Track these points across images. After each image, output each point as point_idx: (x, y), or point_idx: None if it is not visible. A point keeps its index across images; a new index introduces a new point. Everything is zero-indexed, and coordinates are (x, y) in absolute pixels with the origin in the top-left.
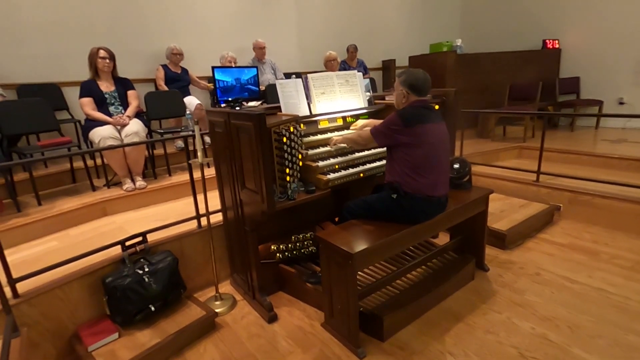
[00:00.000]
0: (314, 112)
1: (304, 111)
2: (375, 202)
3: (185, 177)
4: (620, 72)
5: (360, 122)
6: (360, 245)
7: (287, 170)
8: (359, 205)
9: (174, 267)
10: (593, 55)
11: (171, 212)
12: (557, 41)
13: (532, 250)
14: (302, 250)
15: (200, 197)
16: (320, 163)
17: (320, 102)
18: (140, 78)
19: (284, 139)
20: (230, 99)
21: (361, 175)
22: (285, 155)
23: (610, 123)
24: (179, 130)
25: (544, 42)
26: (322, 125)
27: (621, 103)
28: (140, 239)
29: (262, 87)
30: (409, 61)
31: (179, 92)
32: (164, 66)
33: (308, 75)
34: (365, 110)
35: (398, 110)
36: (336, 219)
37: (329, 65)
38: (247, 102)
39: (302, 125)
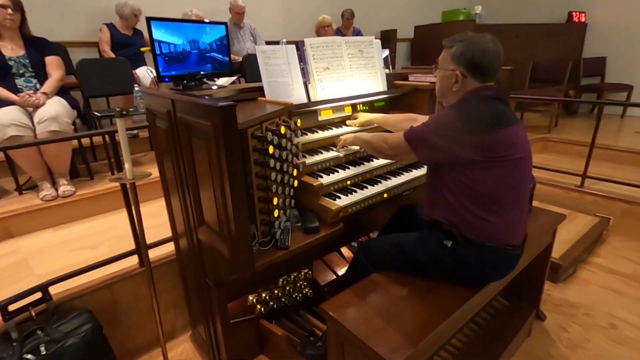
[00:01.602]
0: (314, 99)
1: (298, 96)
2: (414, 249)
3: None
4: None
5: (365, 117)
6: (404, 346)
7: (275, 200)
8: (384, 247)
9: (93, 339)
10: (623, 32)
11: (111, 231)
12: (583, 14)
13: (590, 282)
14: (294, 295)
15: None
16: (325, 179)
17: (322, 81)
18: (78, 41)
19: (270, 148)
20: (181, 73)
21: (385, 196)
22: (272, 173)
23: (638, 111)
24: (126, 112)
25: (570, 14)
26: (323, 117)
27: None
28: (39, 295)
29: (239, 59)
30: (415, 32)
31: (126, 61)
32: (110, 26)
33: (305, 40)
34: (385, 96)
35: (455, 106)
36: (343, 250)
37: (322, 32)
38: (212, 80)
39: (298, 121)
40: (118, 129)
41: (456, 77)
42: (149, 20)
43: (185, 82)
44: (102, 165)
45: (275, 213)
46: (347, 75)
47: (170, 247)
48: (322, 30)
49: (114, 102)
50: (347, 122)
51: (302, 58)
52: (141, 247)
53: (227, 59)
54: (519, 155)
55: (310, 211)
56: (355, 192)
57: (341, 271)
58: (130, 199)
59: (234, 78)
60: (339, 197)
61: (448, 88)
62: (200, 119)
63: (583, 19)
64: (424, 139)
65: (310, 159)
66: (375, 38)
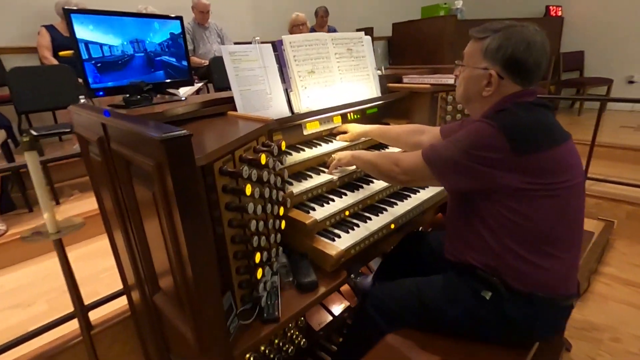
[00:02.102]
0: (298, 110)
1: (279, 107)
2: (439, 301)
3: (90, 203)
4: (630, 46)
5: (357, 129)
6: None
7: (257, 256)
8: (399, 298)
9: None
10: (599, 25)
11: (51, 279)
12: (560, 8)
13: (608, 298)
14: (285, 348)
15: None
16: (318, 212)
17: (307, 88)
18: (14, 46)
19: (247, 188)
20: (120, 84)
21: (392, 227)
22: (252, 221)
23: (617, 105)
24: (68, 130)
25: (547, 8)
26: (309, 130)
27: (631, 82)
28: None
29: (205, 62)
30: (393, 30)
31: (69, 68)
32: (50, 28)
33: (284, 38)
34: (379, 102)
35: (492, 117)
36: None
37: (297, 31)
38: (169, 90)
39: (282, 142)
40: (28, 165)
41: (489, 79)
42: (67, 12)
43: (127, 96)
44: None
45: (259, 273)
46: (336, 80)
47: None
48: (296, 29)
49: (62, 116)
50: (338, 137)
51: (280, 60)
52: (77, 312)
53: (185, 63)
54: (576, 179)
55: (303, 257)
56: (357, 226)
57: (338, 309)
58: (59, 254)
59: (198, 86)
60: (338, 237)
61: (477, 92)
62: (140, 154)
63: (560, 13)
64: (452, 161)
65: (297, 186)
66: None
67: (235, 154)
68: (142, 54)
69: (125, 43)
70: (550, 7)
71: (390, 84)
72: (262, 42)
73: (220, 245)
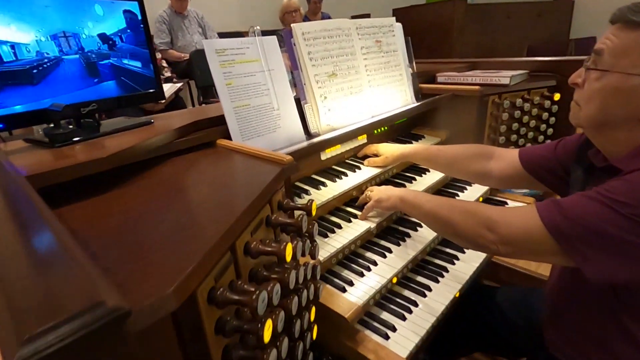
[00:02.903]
0: (316, 129)
1: (291, 130)
2: None
3: None
4: None
5: (390, 151)
6: None
7: None
8: None
9: None
10: (613, 9)
11: None
12: None
13: None
14: None
15: None
16: (357, 288)
17: (327, 98)
18: None
19: (266, 325)
20: (38, 108)
21: (457, 295)
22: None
23: None
24: None
25: None
26: (328, 153)
27: None
28: None
29: (185, 56)
30: (394, 16)
31: None
32: None
33: (295, 27)
34: (417, 112)
35: None
36: None
37: (289, 20)
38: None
39: (313, 204)
40: None
41: None
42: None
43: (51, 126)
44: None
45: None
46: (364, 84)
47: None
48: (288, 16)
49: None
50: (366, 162)
51: (290, 59)
52: None
53: (150, 69)
54: None
55: None
56: (414, 304)
57: None
58: None
59: (177, 86)
60: (392, 328)
61: (628, 114)
62: None
63: None
64: (610, 236)
65: (322, 245)
66: None
67: (237, 246)
68: (76, 56)
69: (43, 39)
70: None
71: (423, 85)
72: (265, 33)
73: None
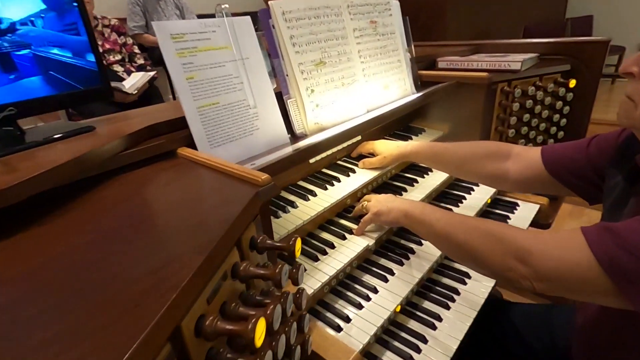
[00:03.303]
0: (302, 129)
1: (271, 131)
2: None
3: None
4: None
5: (387, 150)
6: None
7: None
8: None
9: None
10: None
11: None
12: None
13: None
14: None
15: None
16: (355, 325)
17: (314, 91)
18: None
19: None
20: None
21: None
22: None
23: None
24: None
25: None
26: (317, 155)
27: None
28: None
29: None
30: None
31: None
32: None
33: (273, 5)
34: (419, 104)
35: None
36: None
37: None
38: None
39: (297, 241)
40: None
41: None
42: None
43: None
44: None
45: None
46: (358, 73)
47: None
48: None
49: None
50: (361, 163)
51: (268, 44)
52: None
53: (90, 58)
54: None
55: None
56: (423, 340)
57: None
58: None
59: (150, 74)
60: None
61: None
62: None
63: None
64: None
65: (312, 270)
66: None
67: (184, 328)
68: None
69: None
70: None
71: (422, 71)
72: (234, 15)
73: None
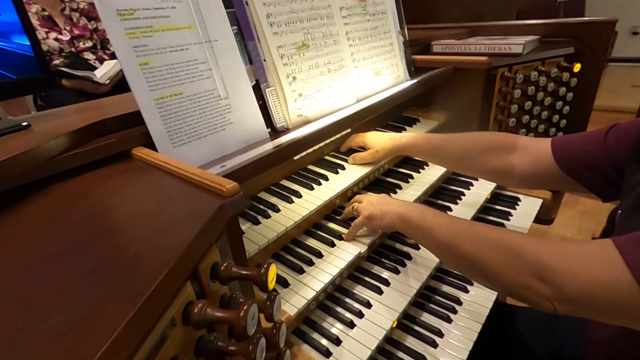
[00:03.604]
0: (284, 122)
1: (247, 126)
2: None
3: None
4: None
5: (380, 143)
6: None
7: None
8: None
9: None
10: None
11: None
12: None
13: None
14: None
15: None
16: (347, 349)
17: (297, 78)
18: None
19: None
20: None
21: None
22: None
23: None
24: None
25: None
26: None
27: (635, 33)
28: None
29: None
30: None
31: None
32: None
33: None
34: (415, 92)
35: None
36: None
37: None
38: None
39: (271, 269)
40: None
41: None
42: None
43: None
44: None
45: None
46: (346, 58)
47: None
48: None
49: None
50: (350, 158)
51: (240, 23)
52: None
53: (23, 45)
54: None
55: None
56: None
57: None
58: None
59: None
60: None
61: None
62: None
63: None
64: None
65: (295, 285)
66: None
67: None
68: None
69: None
70: None
71: (416, 56)
72: None
73: None
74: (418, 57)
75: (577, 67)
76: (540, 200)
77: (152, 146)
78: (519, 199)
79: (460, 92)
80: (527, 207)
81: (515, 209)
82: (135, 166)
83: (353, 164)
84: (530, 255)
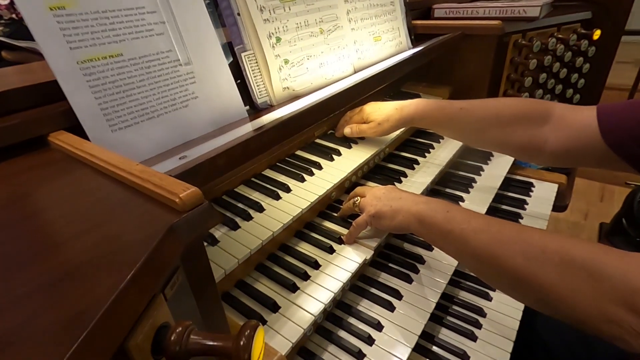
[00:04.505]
0: (268, 98)
1: (217, 102)
2: None
3: None
4: None
5: (381, 111)
6: None
7: None
8: None
9: None
10: None
11: None
12: None
13: None
14: None
15: None
16: None
17: (281, 41)
18: None
19: None
20: None
21: None
22: None
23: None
24: None
25: None
26: None
27: None
28: None
29: None
30: None
31: None
32: None
33: None
34: (411, 57)
35: None
36: None
37: None
38: None
39: (255, 351)
40: None
41: None
42: None
43: None
44: None
45: None
46: (342, 17)
47: None
48: None
49: None
50: (346, 131)
51: None
52: None
53: None
54: None
55: None
56: None
57: None
58: None
59: None
60: None
61: None
62: None
63: None
64: None
65: (287, 308)
66: None
67: None
68: None
69: None
70: None
71: (417, 22)
72: None
73: None
74: (419, 22)
75: (596, 34)
76: (556, 186)
77: (80, 130)
78: (532, 185)
79: (466, 63)
80: (543, 192)
81: (529, 195)
82: (51, 159)
83: (351, 136)
84: (615, 277)
